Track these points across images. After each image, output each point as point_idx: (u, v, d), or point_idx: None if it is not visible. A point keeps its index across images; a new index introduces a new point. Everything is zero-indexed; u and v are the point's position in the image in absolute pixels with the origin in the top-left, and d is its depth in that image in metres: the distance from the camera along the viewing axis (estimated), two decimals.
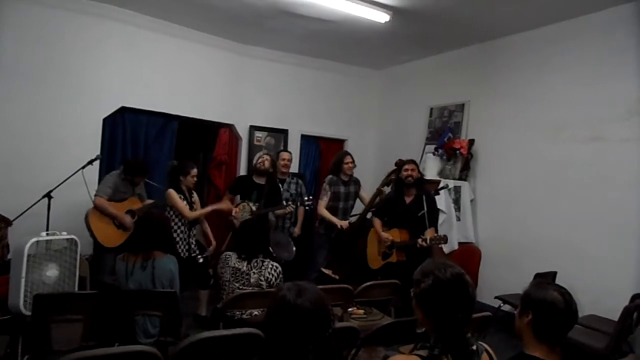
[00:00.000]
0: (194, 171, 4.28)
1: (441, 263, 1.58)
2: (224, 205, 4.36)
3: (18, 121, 4.47)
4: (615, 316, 3.30)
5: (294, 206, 4.82)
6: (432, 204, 4.23)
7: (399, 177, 4.33)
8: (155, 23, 5.21)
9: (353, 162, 4.88)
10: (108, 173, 4.40)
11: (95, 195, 4.16)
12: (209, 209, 4.37)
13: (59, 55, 4.68)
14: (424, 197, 4.13)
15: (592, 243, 4.13)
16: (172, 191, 4.13)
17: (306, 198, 4.92)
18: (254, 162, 4.88)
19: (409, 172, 4.22)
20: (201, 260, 4.19)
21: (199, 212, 4.24)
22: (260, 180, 4.82)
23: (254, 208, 4.61)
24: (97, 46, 4.88)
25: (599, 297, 3.88)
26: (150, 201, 4.50)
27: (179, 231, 4.12)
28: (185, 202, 4.16)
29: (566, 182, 4.40)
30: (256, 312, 2.98)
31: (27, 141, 4.51)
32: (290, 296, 1.37)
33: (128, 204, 4.30)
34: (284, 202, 4.76)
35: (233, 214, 4.58)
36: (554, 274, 4.09)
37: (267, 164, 4.79)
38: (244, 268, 3.06)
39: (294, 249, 4.85)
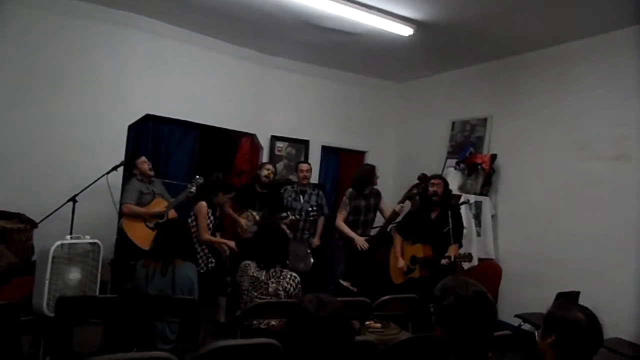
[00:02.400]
0: (233, 193, 4.41)
1: (462, 281, 1.55)
2: (231, 243, 4.26)
3: (46, 127, 4.60)
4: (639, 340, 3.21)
5: (298, 217, 4.89)
6: (458, 220, 4.16)
7: (424, 192, 4.27)
8: (181, 33, 5.32)
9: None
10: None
11: (122, 203, 4.25)
12: (220, 240, 4.27)
13: (88, 64, 4.80)
14: (449, 213, 4.07)
15: (616, 263, 4.02)
16: (204, 205, 4.12)
17: (310, 209, 5.04)
18: (259, 172, 4.96)
19: (435, 188, 4.14)
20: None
21: (212, 239, 4.18)
22: (263, 190, 4.91)
23: (257, 217, 4.70)
24: (124, 55, 4.99)
25: (622, 319, 3.78)
26: (174, 200, 4.52)
27: (197, 246, 4.11)
28: (210, 220, 4.18)
29: (590, 199, 4.32)
30: (274, 322, 2.98)
31: (54, 146, 4.63)
32: (311, 308, 1.37)
33: (154, 206, 4.39)
34: (286, 212, 4.84)
35: (244, 226, 4.65)
36: (576, 294, 4.00)
37: (271, 176, 4.91)
38: (263, 277, 3.07)
39: (312, 260, 4.84)
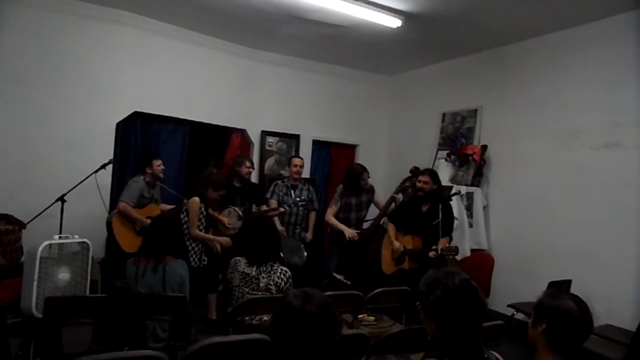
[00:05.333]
0: (223, 191, 4.31)
1: (446, 271, 1.55)
2: (224, 240, 4.23)
3: (33, 125, 4.53)
4: (632, 326, 3.22)
5: (286, 208, 4.85)
6: (448, 213, 4.16)
7: (415, 185, 4.29)
8: (169, 29, 5.26)
9: (369, 176, 4.86)
10: (131, 178, 4.49)
11: (121, 200, 4.23)
12: (211, 237, 4.19)
13: (74, 60, 4.73)
14: (440, 206, 4.07)
15: (608, 251, 4.05)
16: (196, 201, 4.09)
17: (298, 199, 4.93)
18: (238, 169, 4.82)
19: (422, 185, 4.14)
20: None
21: (203, 236, 4.12)
22: (240, 183, 4.84)
23: (240, 212, 4.55)
24: (111, 52, 4.92)
25: (615, 306, 3.81)
26: (168, 207, 4.59)
27: (191, 240, 4.09)
28: (202, 215, 4.13)
29: (581, 188, 4.33)
30: (266, 318, 2.97)
31: (42, 145, 4.56)
32: (296, 302, 1.36)
33: (148, 211, 4.35)
34: (283, 206, 4.84)
35: (226, 224, 4.43)
36: (568, 283, 4.02)
37: (251, 172, 4.92)
38: (253, 273, 3.05)
39: (305, 254, 4.84)
